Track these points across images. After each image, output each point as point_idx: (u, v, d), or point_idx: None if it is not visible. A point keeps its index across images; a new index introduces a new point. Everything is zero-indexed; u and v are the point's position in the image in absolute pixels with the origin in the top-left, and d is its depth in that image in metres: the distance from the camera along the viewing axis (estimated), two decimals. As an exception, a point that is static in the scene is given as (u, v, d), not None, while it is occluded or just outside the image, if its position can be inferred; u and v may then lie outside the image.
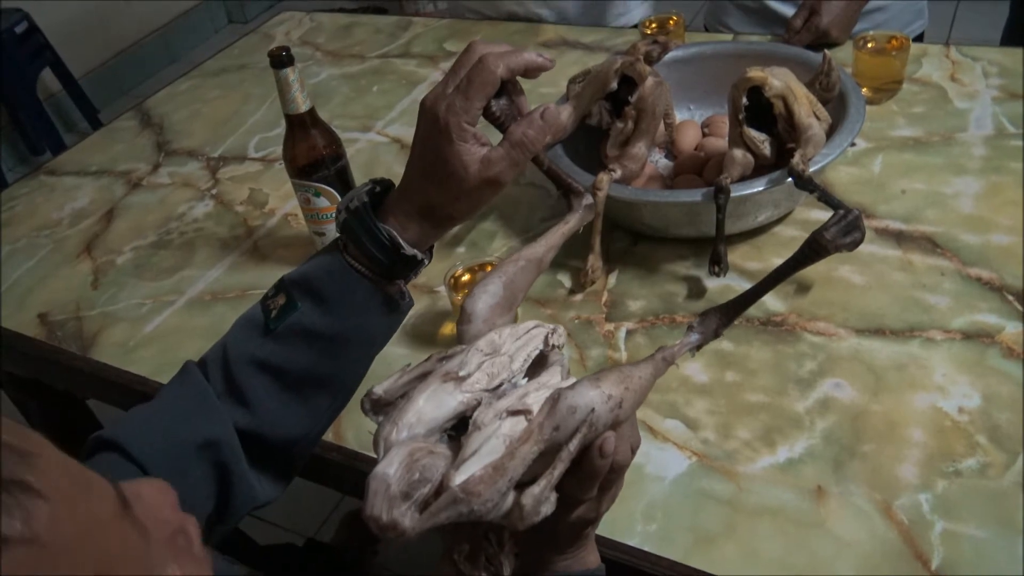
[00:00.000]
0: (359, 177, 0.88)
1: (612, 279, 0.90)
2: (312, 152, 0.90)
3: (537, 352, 0.46)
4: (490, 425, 0.40)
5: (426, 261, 0.58)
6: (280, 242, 1.06)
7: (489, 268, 0.85)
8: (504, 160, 0.53)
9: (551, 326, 0.48)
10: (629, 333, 0.83)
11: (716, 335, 0.54)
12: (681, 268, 0.90)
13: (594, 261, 0.88)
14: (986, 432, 0.68)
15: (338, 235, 0.58)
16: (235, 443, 0.55)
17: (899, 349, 0.76)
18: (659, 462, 0.71)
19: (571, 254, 0.93)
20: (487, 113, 0.54)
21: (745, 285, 0.86)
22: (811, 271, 0.85)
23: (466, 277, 0.86)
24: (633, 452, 0.48)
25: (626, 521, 0.67)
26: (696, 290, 0.87)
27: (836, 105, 0.91)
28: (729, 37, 1.27)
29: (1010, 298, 0.79)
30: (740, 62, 1.01)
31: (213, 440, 0.55)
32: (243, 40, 1.65)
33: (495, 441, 0.39)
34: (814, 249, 0.56)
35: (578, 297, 0.89)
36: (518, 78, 0.56)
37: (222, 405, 0.56)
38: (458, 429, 0.42)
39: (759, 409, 0.74)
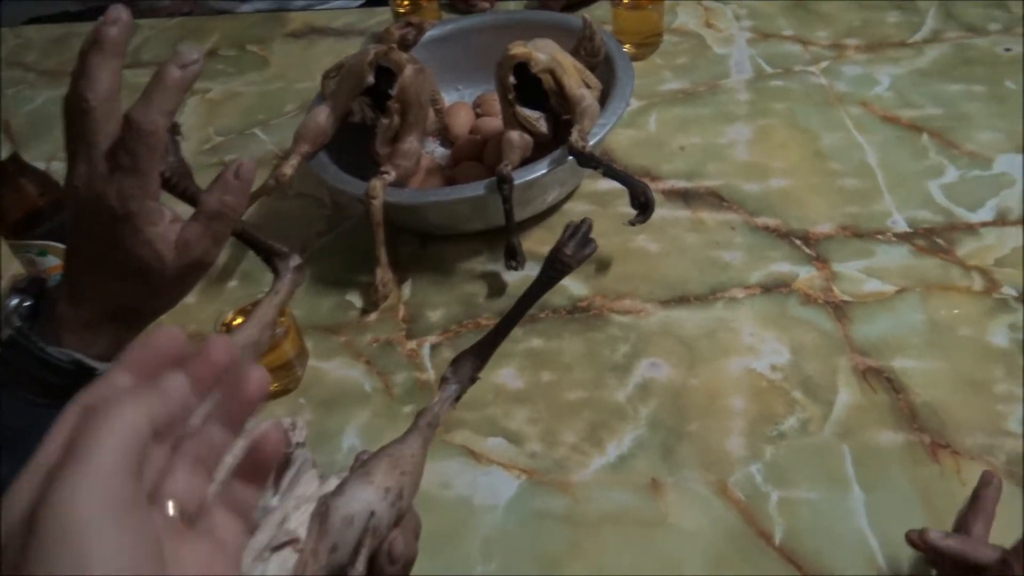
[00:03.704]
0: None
1: (406, 290, 0.83)
2: (25, 205, 0.75)
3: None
4: (254, 572, 0.32)
5: None
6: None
7: (265, 306, 0.75)
8: (205, 237, 0.43)
9: (288, 421, 0.40)
10: (434, 348, 0.77)
11: (472, 380, 0.48)
12: (477, 265, 0.84)
13: (383, 275, 0.81)
14: (800, 386, 0.68)
15: None
16: None
17: (705, 315, 0.75)
18: (487, 489, 0.65)
19: (357, 269, 0.85)
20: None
21: (545, 272, 0.81)
22: (607, 245, 0.82)
23: (238, 321, 0.75)
24: (416, 537, 0.40)
25: (463, 565, 0.61)
26: (496, 287, 0.81)
27: (604, 69, 0.88)
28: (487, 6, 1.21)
29: (798, 243, 0.79)
30: (502, 33, 0.96)
31: None
32: (-65, 68, 1.40)
33: None
34: (557, 269, 0.54)
35: (372, 317, 0.81)
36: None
37: None
38: None
39: (581, 406, 0.70)
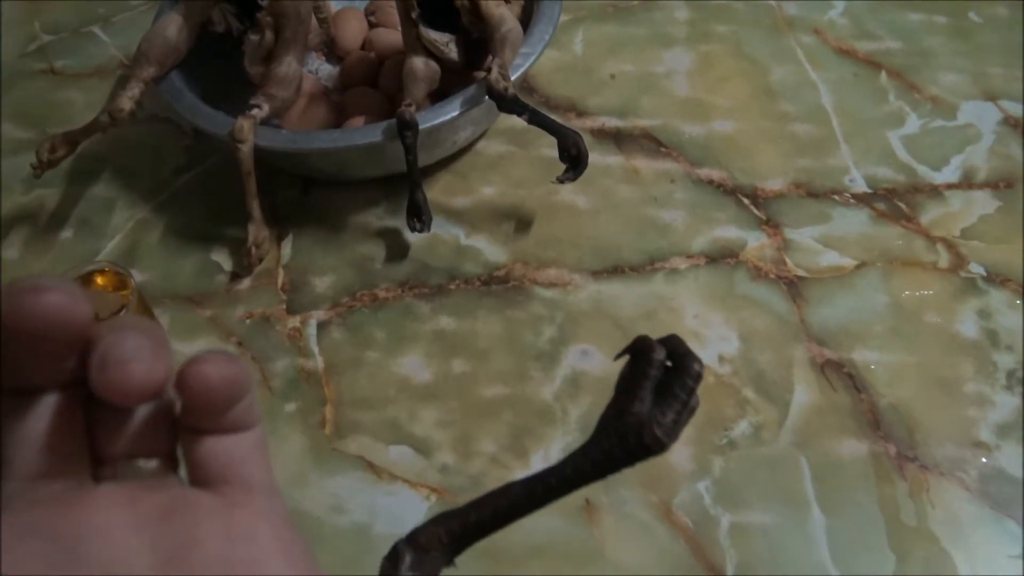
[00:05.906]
0: None
1: (286, 248, 0.69)
2: None
3: None
4: None
5: None
6: None
7: (100, 279, 0.59)
8: None
9: None
10: (322, 327, 0.64)
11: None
12: (372, 218, 0.70)
13: (257, 232, 0.66)
14: (752, 383, 0.59)
15: None
16: None
17: (643, 290, 0.64)
18: (390, 514, 0.54)
19: (226, 218, 0.70)
20: None
21: (455, 230, 0.68)
22: (528, 198, 0.70)
23: (100, 281, 0.59)
24: None
25: (362, 617, 0.50)
26: (397, 248, 0.68)
27: (525, -23, 0.73)
28: None
29: (746, 202, 0.69)
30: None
31: None
32: None
33: None
34: (634, 445, 0.29)
35: (245, 284, 0.67)
36: None
37: None
38: None
39: (501, 406, 0.59)
